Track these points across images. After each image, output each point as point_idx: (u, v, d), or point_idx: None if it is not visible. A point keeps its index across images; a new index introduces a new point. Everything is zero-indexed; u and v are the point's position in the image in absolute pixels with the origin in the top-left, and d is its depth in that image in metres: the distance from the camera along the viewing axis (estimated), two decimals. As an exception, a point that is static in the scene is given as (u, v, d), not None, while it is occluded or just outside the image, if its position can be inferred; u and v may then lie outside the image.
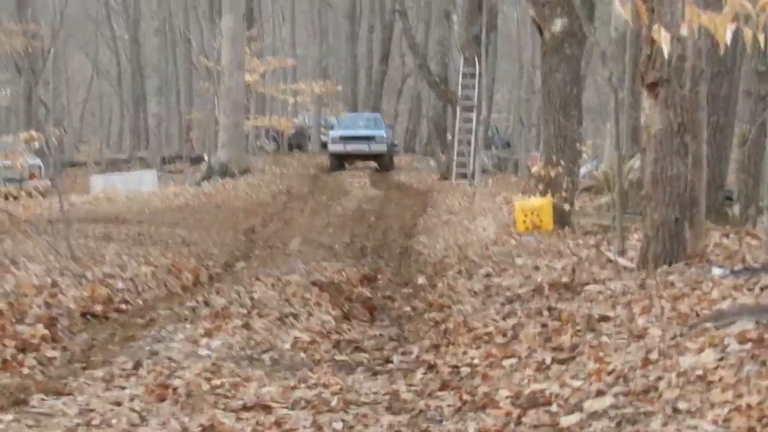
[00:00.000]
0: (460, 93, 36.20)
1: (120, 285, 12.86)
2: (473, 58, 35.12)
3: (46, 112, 48.91)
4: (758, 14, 5.27)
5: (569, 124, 19.57)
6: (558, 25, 18.73)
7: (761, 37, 5.26)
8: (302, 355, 8.62)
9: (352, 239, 20.78)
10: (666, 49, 5.40)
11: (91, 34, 66.74)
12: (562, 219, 18.97)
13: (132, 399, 7.03)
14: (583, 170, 34.28)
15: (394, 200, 29.58)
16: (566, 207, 19.03)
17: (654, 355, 6.45)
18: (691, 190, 10.20)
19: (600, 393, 6.05)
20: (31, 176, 31.38)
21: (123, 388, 7.39)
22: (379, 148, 42.97)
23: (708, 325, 7.17)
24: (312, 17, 60.19)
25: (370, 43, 61.69)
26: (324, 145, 48.32)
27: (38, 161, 31.71)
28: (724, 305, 7.83)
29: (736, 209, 17.11)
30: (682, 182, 10.07)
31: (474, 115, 35.49)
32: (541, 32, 19.47)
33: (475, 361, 7.64)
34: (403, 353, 8.64)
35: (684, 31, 5.35)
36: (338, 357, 8.56)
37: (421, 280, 13.12)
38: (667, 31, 5.34)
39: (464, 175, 35.13)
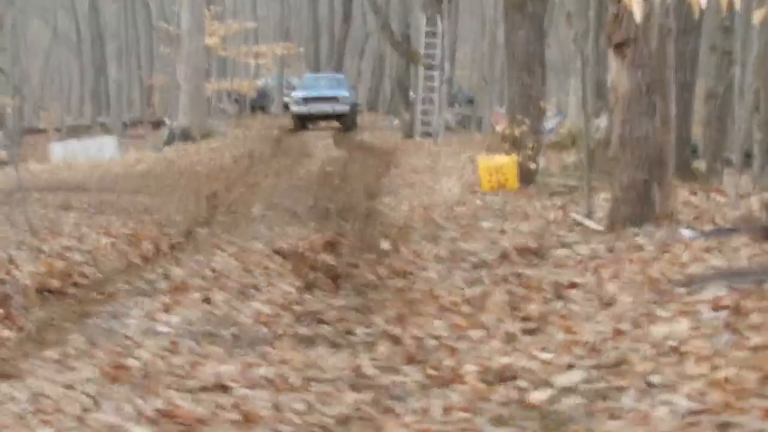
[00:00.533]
0: (422, 52, 35.87)
1: (78, 258, 12.56)
2: (435, 17, 34.79)
3: (4, 78, 48.27)
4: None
5: (533, 81, 19.35)
6: (521, -19, 18.49)
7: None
8: (264, 329, 8.36)
9: (315, 202, 20.49)
10: (638, 13, 5.14)
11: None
12: (527, 177, 18.80)
13: (86, 382, 6.76)
14: (548, 125, 34.12)
15: (357, 161, 29.28)
16: (531, 165, 18.86)
17: (625, 325, 6.24)
18: (659, 150, 9.99)
19: (570, 367, 5.83)
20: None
21: (76, 369, 7.12)
22: (342, 108, 42.67)
23: (680, 290, 6.98)
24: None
25: (332, 3, 61.21)
26: (287, 107, 47.91)
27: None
28: (696, 269, 7.64)
29: (703, 164, 16.94)
30: (651, 143, 9.87)
31: (437, 74, 35.20)
32: (504, -12, 19.23)
33: (441, 332, 7.40)
34: (366, 325, 8.39)
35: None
36: (300, 330, 8.30)
37: (385, 245, 12.86)
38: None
39: (428, 134, 34.90)
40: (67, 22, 66.88)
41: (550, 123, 36.37)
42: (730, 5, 5.01)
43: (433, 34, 35.09)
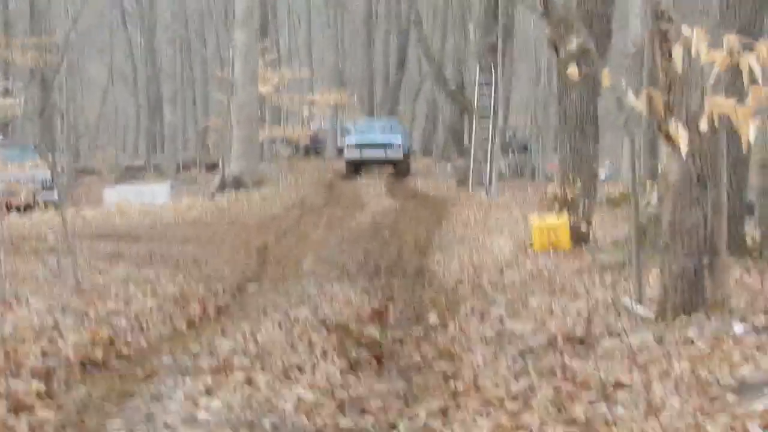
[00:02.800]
0: (476, 101, 35.82)
1: (123, 323, 12.51)
2: (489, 67, 34.77)
3: (60, 119, 48.70)
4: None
5: (585, 142, 19.23)
6: (574, 43, 18.33)
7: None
8: (305, 419, 8.23)
9: (365, 257, 20.41)
10: (684, 148, 5.02)
11: (107, 40, 66.47)
12: (579, 238, 18.68)
13: (121, 482, 6.66)
14: (602, 175, 33.87)
15: (409, 212, 29.21)
16: (583, 227, 18.74)
17: (672, 442, 6.06)
18: (711, 237, 9.81)
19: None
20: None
21: (113, 466, 7.03)
22: (395, 154, 42.77)
23: (730, 398, 6.80)
24: (328, 22, 59.81)
25: (387, 48, 61.44)
26: (340, 151, 48.03)
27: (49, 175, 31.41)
28: (747, 370, 7.46)
29: (757, 234, 16.64)
30: (701, 232, 9.68)
31: (490, 124, 35.12)
32: (557, 51, 19.07)
33: (484, 434, 7.26)
34: (409, 418, 8.25)
35: (704, 125, 4.97)
36: (342, 422, 8.17)
37: (432, 318, 12.71)
38: (685, 129, 4.96)
39: (481, 184, 34.80)
40: (124, 62, 67.45)
41: (603, 174, 36.19)
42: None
43: (487, 84, 35.05)
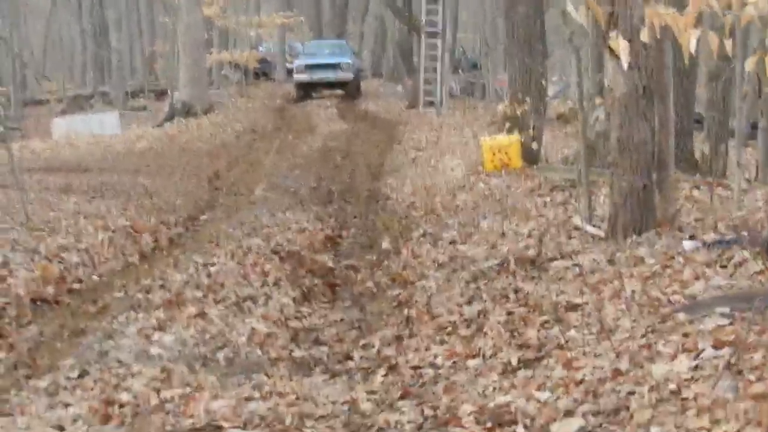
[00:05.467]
0: (424, 20, 35.52)
1: (74, 258, 12.40)
2: (437, -16, 34.48)
3: (4, 45, 47.97)
4: (724, 14, 4.87)
5: (534, 60, 19.13)
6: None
7: (728, 43, 4.86)
8: (258, 352, 8.21)
9: (318, 183, 20.38)
10: (625, 60, 4.97)
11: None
12: (530, 157, 18.66)
13: (75, 420, 6.62)
14: (552, 91, 33.85)
15: (360, 135, 29.13)
16: (534, 145, 18.72)
17: (624, 363, 6.06)
18: (659, 153, 9.80)
19: (568, 413, 5.67)
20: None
21: (67, 405, 6.98)
22: (345, 75, 42.45)
23: (681, 317, 6.82)
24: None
25: (333, -33, 60.74)
26: (290, 73, 47.67)
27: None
28: (697, 287, 7.48)
29: (706, 147, 16.70)
30: (649, 147, 9.66)
31: (439, 42, 34.88)
32: (502, -35, 18.97)
33: (438, 360, 7.26)
34: (363, 346, 8.26)
35: (645, 36, 4.92)
36: (296, 353, 8.16)
37: (385, 243, 12.71)
38: (625, 39, 4.91)
39: (431, 103, 34.63)
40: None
41: (553, 89, 36.16)
42: (721, 46, 4.88)
43: (435, 1, 34.74)
